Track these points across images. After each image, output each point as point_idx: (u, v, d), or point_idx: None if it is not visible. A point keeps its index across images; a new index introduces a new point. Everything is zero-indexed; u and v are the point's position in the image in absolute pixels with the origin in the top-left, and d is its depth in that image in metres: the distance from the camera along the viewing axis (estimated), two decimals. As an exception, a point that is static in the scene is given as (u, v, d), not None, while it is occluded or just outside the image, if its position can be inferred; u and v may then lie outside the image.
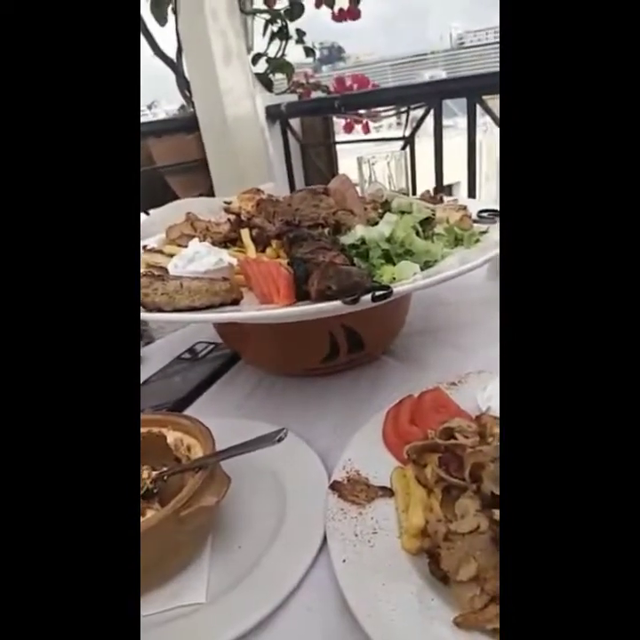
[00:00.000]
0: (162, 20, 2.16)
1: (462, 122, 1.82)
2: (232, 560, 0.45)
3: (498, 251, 0.59)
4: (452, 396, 0.59)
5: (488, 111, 1.72)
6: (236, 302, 0.57)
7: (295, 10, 2.18)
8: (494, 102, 1.80)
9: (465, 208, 0.73)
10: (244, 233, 0.71)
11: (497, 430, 0.48)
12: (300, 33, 2.26)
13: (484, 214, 0.73)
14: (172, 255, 0.67)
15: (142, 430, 0.51)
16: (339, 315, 0.56)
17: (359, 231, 0.63)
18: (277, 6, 2.19)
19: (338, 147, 2.36)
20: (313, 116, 2.26)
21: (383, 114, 2.13)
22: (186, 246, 0.67)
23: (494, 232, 0.68)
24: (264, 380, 0.74)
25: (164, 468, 0.49)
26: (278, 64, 2.23)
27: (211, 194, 2.15)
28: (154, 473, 0.49)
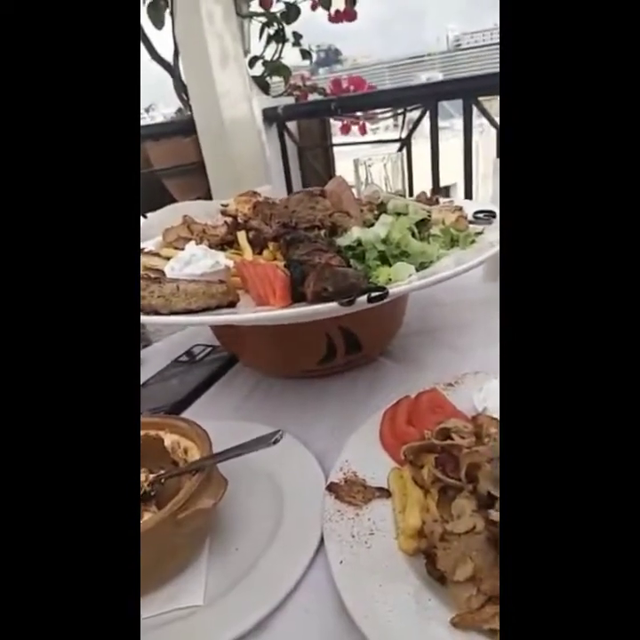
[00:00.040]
0: (159, 24, 2.17)
1: (458, 123, 1.82)
2: (229, 562, 0.45)
3: (493, 251, 0.60)
4: (448, 396, 0.59)
5: (484, 112, 1.72)
6: (232, 304, 0.57)
7: (291, 13, 2.19)
8: (490, 104, 1.81)
9: (461, 209, 0.73)
10: (241, 235, 0.72)
11: (493, 430, 0.48)
12: (297, 36, 2.26)
13: (480, 215, 0.73)
14: (168, 258, 0.68)
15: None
16: (335, 316, 0.56)
17: (355, 233, 0.63)
18: (274, 9, 2.19)
19: (335, 149, 2.36)
20: (310, 119, 2.27)
21: (380, 116, 2.13)
22: (182, 249, 0.67)
23: (490, 233, 0.68)
24: (262, 382, 0.74)
25: (161, 471, 0.49)
26: (275, 67, 2.23)
27: (208, 197, 2.15)
28: (151, 476, 0.49)
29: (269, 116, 2.17)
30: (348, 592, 0.39)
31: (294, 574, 0.42)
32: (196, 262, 0.62)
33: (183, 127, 2.16)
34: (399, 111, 1.97)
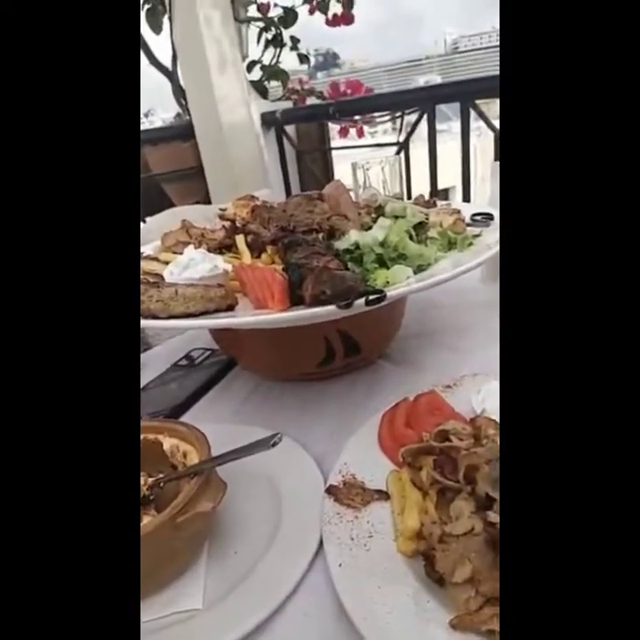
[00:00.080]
0: (157, 29, 2.18)
1: (456, 126, 1.83)
2: (228, 566, 0.45)
3: (491, 254, 0.60)
4: (447, 398, 0.59)
5: (481, 115, 1.73)
6: (231, 308, 0.57)
7: (289, 17, 2.20)
8: (488, 106, 1.81)
9: (458, 212, 0.73)
10: (239, 239, 0.72)
11: (491, 432, 0.48)
12: (295, 40, 2.27)
13: (477, 218, 0.73)
14: (167, 262, 0.68)
15: (138, 437, 0.51)
16: (334, 319, 0.56)
17: (353, 236, 0.64)
18: (271, 14, 2.20)
19: (333, 152, 2.37)
20: (308, 123, 2.27)
21: (378, 119, 2.14)
22: (181, 253, 0.67)
23: (487, 235, 0.68)
24: (260, 386, 0.74)
25: (160, 475, 0.50)
26: (273, 71, 2.24)
27: (207, 201, 2.16)
28: (150, 480, 0.49)
29: (268, 120, 2.18)
30: (347, 594, 0.39)
31: (293, 577, 0.42)
32: (194, 266, 0.62)
33: (182, 132, 2.17)
34: (397, 114, 1.98)
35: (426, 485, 0.46)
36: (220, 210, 0.87)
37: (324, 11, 2.22)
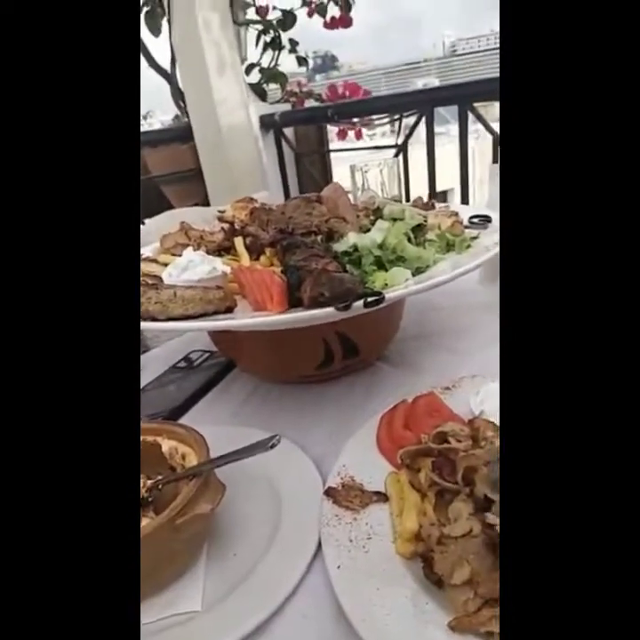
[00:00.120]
0: (156, 32, 2.19)
1: (454, 129, 1.84)
2: (227, 567, 0.45)
3: (489, 255, 0.60)
4: (445, 400, 0.59)
5: (479, 118, 1.73)
6: (229, 310, 0.57)
7: (288, 20, 2.21)
8: (486, 109, 1.82)
9: (456, 214, 0.73)
10: (238, 241, 0.72)
11: (490, 434, 0.48)
12: (293, 43, 2.28)
13: (475, 220, 0.73)
14: (166, 264, 0.68)
15: (137, 439, 0.51)
16: (332, 321, 0.56)
17: (351, 238, 0.64)
18: (270, 17, 2.21)
19: (332, 155, 2.38)
20: (307, 125, 2.28)
21: (376, 122, 2.14)
22: (180, 255, 0.67)
23: (485, 237, 0.69)
24: (259, 388, 0.74)
25: (159, 477, 0.50)
26: (272, 74, 2.25)
27: (206, 203, 2.16)
28: (149, 482, 0.49)
29: (266, 122, 2.19)
30: (346, 596, 0.39)
31: (292, 579, 0.42)
32: (193, 268, 0.62)
33: (181, 134, 2.18)
34: (395, 117, 1.99)
35: (424, 487, 0.46)
36: (219, 212, 0.88)
37: (323, 14, 2.24)
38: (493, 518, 0.38)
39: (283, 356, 0.68)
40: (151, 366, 0.83)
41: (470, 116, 1.74)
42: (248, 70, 2.22)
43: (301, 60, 2.35)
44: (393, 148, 2.02)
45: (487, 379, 0.61)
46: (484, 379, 0.62)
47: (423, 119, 1.84)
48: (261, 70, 2.25)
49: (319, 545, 0.44)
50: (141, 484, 0.48)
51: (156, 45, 2.21)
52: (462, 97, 1.74)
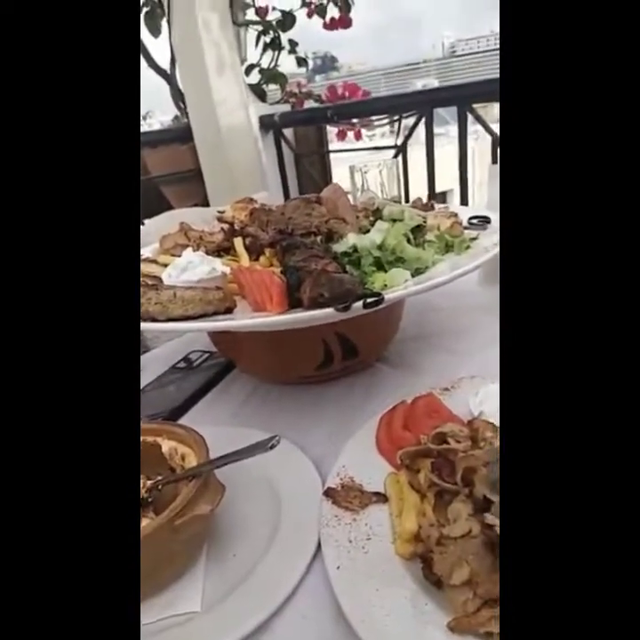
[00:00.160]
0: (155, 32, 2.19)
1: (454, 130, 1.84)
2: (227, 568, 0.45)
3: (488, 256, 0.60)
4: (444, 401, 0.59)
5: (478, 119, 1.73)
6: (229, 311, 0.57)
7: (287, 21, 2.21)
8: (485, 110, 1.82)
9: (456, 215, 0.73)
10: (238, 242, 0.72)
11: (489, 434, 0.48)
12: (293, 43, 2.28)
13: (474, 221, 0.73)
14: (166, 265, 0.68)
15: (137, 439, 0.51)
16: (332, 322, 0.56)
17: (351, 239, 0.64)
18: (269, 17, 2.21)
19: (331, 156, 2.38)
20: (306, 126, 2.28)
21: (376, 123, 2.15)
22: (179, 256, 0.67)
23: (484, 238, 0.69)
24: (259, 389, 0.74)
25: (159, 478, 0.50)
26: (271, 75, 2.25)
27: (205, 204, 2.16)
28: (148, 482, 0.49)
29: (266, 123, 2.19)
30: (346, 597, 0.39)
31: (292, 580, 0.42)
32: (192, 269, 0.62)
33: (180, 134, 2.18)
34: (395, 118, 1.99)
35: (424, 488, 0.46)
36: (219, 212, 0.88)
37: (322, 14, 2.24)
38: (492, 519, 0.38)
39: (282, 356, 0.69)
40: (151, 367, 0.83)
41: (469, 117, 1.74)
42: (248, 71, 2.22)
43: (301, 61, 2.35)
44: (392, 149, 2.02)
45: (486, 380, 0.61)
46: (483, 380, 0.62)
47: (422, 120, 1.85)
48: (261, 71, 2.25)
49: (319, 545, 0.44)
50: (141, 485, 0.48)
51: (156, 46, 2.22)
52: (461, 98, 1.74)
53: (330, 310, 0.50)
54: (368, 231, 0.67)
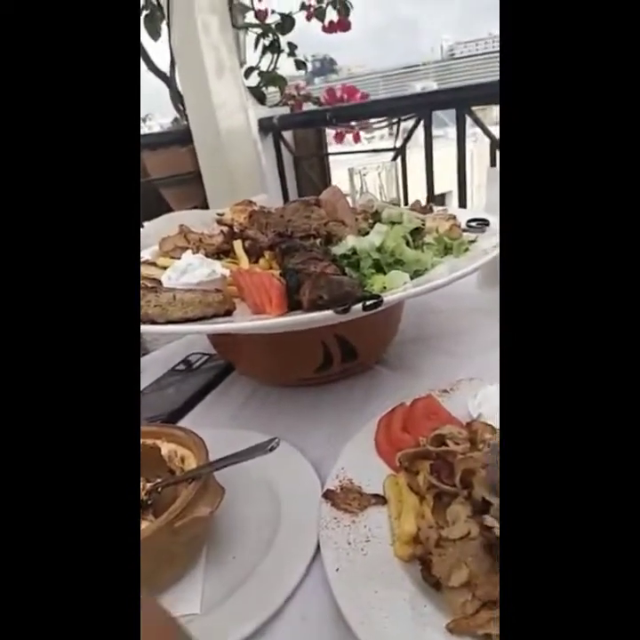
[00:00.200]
0: (155, 35, 2.20)
1: (452, 132, 1.84)
2: (226, 570, 0.45)
3: (487, 259, 0.60)
4: (443, 403, 0.60)
5: (477, 121, 1.74)
6: (228, 313, 0.58)
7: (286, 23, 2.22)
8: (484, 113, 1.83)
9: (454, 217, 0.74)
10: (237, 244, 0.72)
11: (488, 436, 0.48)
12: (292, 46, 2.29)
13: (473, 224, 0.74)
14: (165, 267, 0.68)
15: (136, 442, 0.51)
16: (331, 324, 0.57)
17: (350, 241, 0.64)
18: (269, 20, 2.22)
19: (330, 158, 2.38)
20: (305, 128, 2.28)
21: (375, 125, 2.15)
22: (179, 258, 0.67)
23: (483, 241, 0.69)
24: (258, 391, 0.74)
25: (158, 480, 0.50)
26: (271, 77, 2.26)
27: (205, 206, 2.16)
28: (148, 485, 0.49)
29: (265, 125, 2.19)
30: (345, 599, 0.39)
31: (291, 582, 0.42)
32: (192, 271, 0.62)
33: (180, 137, 2.18)
34: (394, 120, 1.99)
35: (423, 490, 0.46)
36: (218, 215, 0.88)
37: (321, 17, 2.24)
38: (491, 521, 0.38)
39: (281, 358, 0.69)
40: (150, 369, 0.83)
41: (468, 120, 1.75)
42: (247, 73, 2.23)
43: (300, 64, 2.36)
44: (391, 152, 2.02)
45: (485, 382, 0.61)
46: (481, 382, 0.62)
47: (421, 122, 1.85)
48: (260, 73, 2.26)
49: (318, 547, 0.44)
50: (141, 487, 0.48)
51: (156, 49, 2.22)
52: (460, 100, 1.75)
53: (329, 312, 0.50)
54: (367, 233, 0.67)
